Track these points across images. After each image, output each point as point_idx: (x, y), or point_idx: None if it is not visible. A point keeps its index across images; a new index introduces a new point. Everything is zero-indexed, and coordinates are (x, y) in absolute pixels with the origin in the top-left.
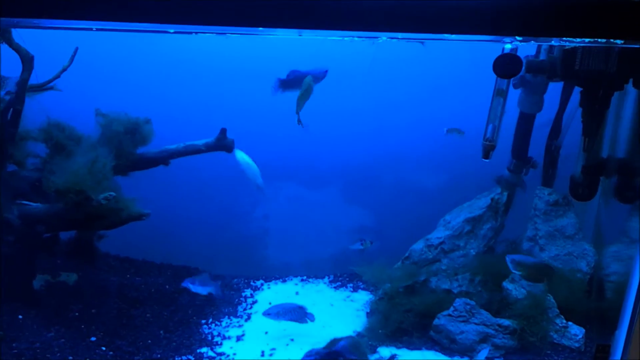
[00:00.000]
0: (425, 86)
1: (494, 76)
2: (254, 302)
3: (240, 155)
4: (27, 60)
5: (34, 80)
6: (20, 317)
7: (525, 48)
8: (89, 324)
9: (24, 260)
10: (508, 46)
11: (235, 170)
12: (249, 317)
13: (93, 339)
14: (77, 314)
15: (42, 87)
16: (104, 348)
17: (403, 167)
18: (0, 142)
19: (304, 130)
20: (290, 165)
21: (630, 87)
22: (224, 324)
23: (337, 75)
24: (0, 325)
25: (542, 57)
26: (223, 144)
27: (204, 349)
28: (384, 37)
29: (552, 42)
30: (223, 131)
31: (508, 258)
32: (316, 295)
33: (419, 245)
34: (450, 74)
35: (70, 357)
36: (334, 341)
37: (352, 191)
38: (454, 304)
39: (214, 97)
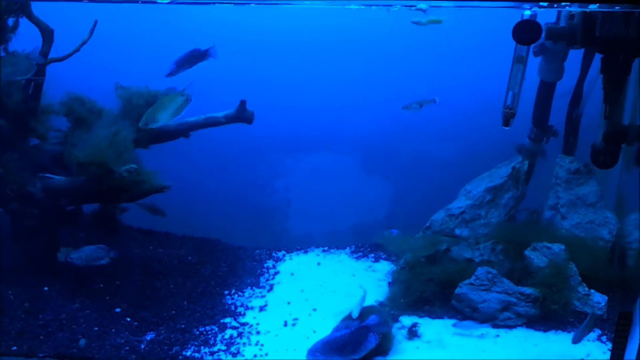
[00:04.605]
0: (445, 55)
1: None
2: (276, 273)
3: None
4: (47, 34)
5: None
6: (45, 288)
7: (545, 15)
8: (113, 295)
9: (47, 233)
10: (527, 12)
11: (255, 141)
12: (271, 288)
13: (118, 310)
14: (101, 285)
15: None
16: (128, 319)
17: (423, 137)
18: (22, 116)
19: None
20: (310, 137)
21: None
22: (246, 294)
23: (355, 45)
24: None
25: (562, 23)
26: (243, 116)
27: (227, 319)
28: (398, 5)
29: (572, 7)
30: (243, 103)
31: None
32: (338, 265)
33: (439, 215)
34: (470, 42)
35: (96, 328)
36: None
37: (372, 162)
38: (475, 273)
39: (233, 68)
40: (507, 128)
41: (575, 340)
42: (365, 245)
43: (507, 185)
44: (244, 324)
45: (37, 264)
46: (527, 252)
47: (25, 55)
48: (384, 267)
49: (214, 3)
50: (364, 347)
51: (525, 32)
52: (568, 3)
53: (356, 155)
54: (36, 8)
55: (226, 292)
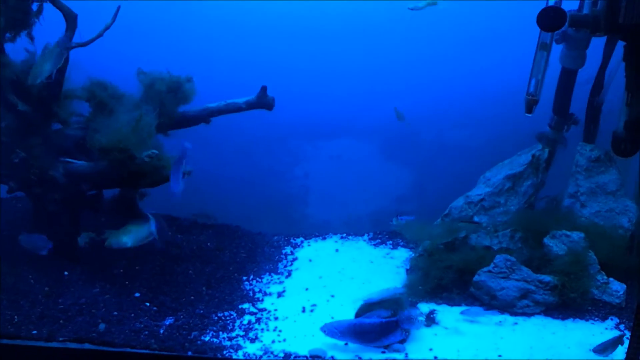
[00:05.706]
0: (465, 42)
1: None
2: (295, 259)
3: None
4: (71, 19)
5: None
6: (65, 273)
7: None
8: (133, 280)
9: (68, 218)
10: None
11: (274, 128)
12: (289, 274)
13: (137, 294)
14: (121, 270)
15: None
16: (148, 304)
17: (443, 124)
18: (45, 101)
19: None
20: (329, 123)
21: None
22: (265, 280)
23: (376, 31)
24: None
25: (584, 11)
26: (264, 102)
27: (245, 305)
28: None
29: None
30: (264, 89)
31: None
32: (356, 252)
33: (458, 203)
34: (491, 29)
35: (115, 313)
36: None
37: (391, 149)
38: (494, 261)
39: (254, 55)
40: (530, 115)
41: (598, 350)
42: (384, 232)
43: (527, 173)
44: (262, 310)
45: (58, 249)
46: (546, 240)
47: (55, 44)
48: (402, 254)
49: None
50: (387, 339)
51: (550, 18)
52: None
53: (375, 142)
54: None
55: (245, 278)
